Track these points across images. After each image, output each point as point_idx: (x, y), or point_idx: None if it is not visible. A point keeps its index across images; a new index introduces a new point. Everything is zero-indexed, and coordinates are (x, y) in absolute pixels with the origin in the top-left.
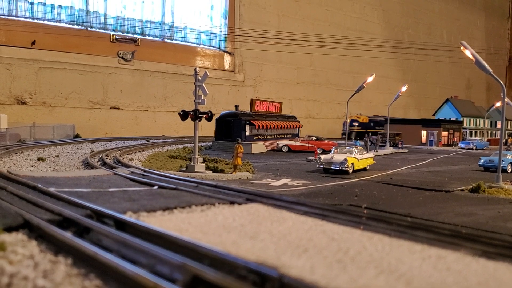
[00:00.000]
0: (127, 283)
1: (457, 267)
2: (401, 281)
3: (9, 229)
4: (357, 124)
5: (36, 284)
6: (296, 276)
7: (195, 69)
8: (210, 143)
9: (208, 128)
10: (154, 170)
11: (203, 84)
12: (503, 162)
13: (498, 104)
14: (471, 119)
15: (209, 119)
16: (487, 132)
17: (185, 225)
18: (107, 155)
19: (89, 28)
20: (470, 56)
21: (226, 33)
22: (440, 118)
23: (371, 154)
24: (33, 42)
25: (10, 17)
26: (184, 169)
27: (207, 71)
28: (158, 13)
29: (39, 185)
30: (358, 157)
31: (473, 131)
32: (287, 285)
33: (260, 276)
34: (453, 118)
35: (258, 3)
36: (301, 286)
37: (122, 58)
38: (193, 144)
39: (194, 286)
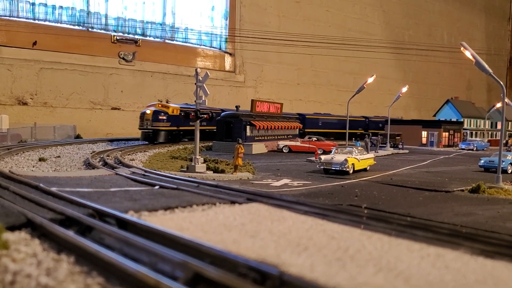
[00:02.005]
0: (129, 280)
1: (455, 265)
2: (399, 278)
3: (12, 228)
4: (165, 117)
5: (39, 281)
6: (296, 274)
7: (196, 69)
8: (211, 143)
9: None
10: (155, 170)
11: (204, 85)
12: (503, 163)
13: (498, 105)
14: (472, 120)
15: (210, 119)
16: (488, 133)
17: (186, 224)
18: (108, 156)
19: (90, 29)
20: (470, 57)
21: (227, 34)
22: (441, 119)
23: (371, 154)
24: (34, 43)
25: (12, 18)
26: (185, 169)
27: (208, 72)
28: (159, 14)
29: (41, 184)
30: (358, 158)
31: (474, 132)
32: (287, 282)
33: (260, 273)
34: (454, 119)
35: (259, 4)
36: (301, 284)
37: (123, 58)
38: (193, 145)
39: (195, 284)
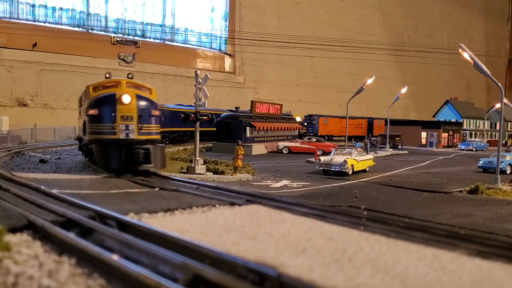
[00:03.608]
0: (130, 282)
1: (452, 267)
2: (396, 280)
3: (13, 230)
4: (157, 113)
5: (41, 283)
6: (294, 275)
7: (195, 71)
8: (211, 144)
9: None
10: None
11: (204, 87)
12: (502, 163)
13: (497, 105)
14: (471, 121)
15: (210, 121)
16: (487, 133)
17: (186, 226)
18: None
19: (90, 31)
20: (468, 59)
21: (227, 35)
22: (440, 120)
23: (370, 155)
24: (35, 45)
25: (12, 20)
26: (185, 170)
27: (207, 73)
28: (159, 15)
29: (42, 186)
30: (357, 159)
31: (473, 133)
32: (286, 284)
33: (259, 275)
34: (453, 120)
35: (258, 5)
36: (299, 285)
37: (123, 60)
38: (193, 146)
39: (195, 285)
